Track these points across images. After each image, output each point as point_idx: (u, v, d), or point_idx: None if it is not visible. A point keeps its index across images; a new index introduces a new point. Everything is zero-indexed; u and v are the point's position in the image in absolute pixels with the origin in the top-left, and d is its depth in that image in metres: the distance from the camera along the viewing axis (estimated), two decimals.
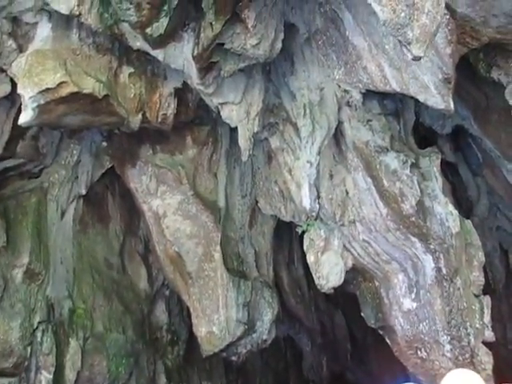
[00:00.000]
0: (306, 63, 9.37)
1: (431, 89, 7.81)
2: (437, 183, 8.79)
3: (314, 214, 8.54)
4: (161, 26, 8.03)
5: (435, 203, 8.67)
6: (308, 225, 10.01)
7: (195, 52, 8.24)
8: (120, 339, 11.07)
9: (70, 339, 10.49)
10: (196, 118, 11.03)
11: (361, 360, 15.08)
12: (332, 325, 14.58)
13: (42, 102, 7.75)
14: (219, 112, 9.71)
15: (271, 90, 10.16)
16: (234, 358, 11.30)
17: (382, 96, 9.29)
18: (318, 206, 8.54)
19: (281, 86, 9.87)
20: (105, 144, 10.71)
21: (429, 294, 8.81)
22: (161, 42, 8.41)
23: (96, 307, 10.84)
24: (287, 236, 12.90)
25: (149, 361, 11.79)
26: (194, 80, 8.94)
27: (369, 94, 9.07)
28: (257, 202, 11.36)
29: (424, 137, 10.54)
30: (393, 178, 8.53)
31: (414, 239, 8.73)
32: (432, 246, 8.64)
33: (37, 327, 9.97)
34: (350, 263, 9.95)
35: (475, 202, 11.40)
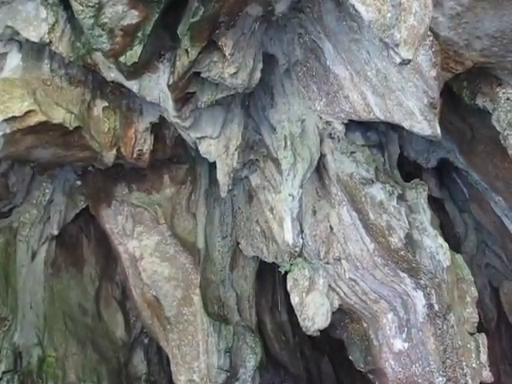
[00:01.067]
0: (287, 95, 8.96)
1: (416, 115, 7.40)
2: (425, 215, 8.31)
3: (297, 249, 8.00)
4: (134, 54, 7.61)
5: (424, 236, 8.17)
6: (291, 264, 9.44)
7: (171, 81, 7.80)
8: None
9: None
10: (174, 157, 10.54)
11: None
12: (319, 372, 13.82)
13: (8, 131, 7.24)
14: (197, 148, 9.25)
15: (251, 126, 9.73)
16: None
17: (364, 128, 8.89)
18: (301, 240, 8.01)
19: (261, 120, 9.44)
20: (79, 182, 10.15)
21: (421, 333, 8.23)
22: (135, 72, 7.97)
23: (68, 355, 10.09)
24: (270, 279, 12.29)
25: None
26: (171, 113, 8.49)
27: (351, 126, 8.67)
28: (238, 243, 10.79)
29: (408, 172, 10.08)
30: (379, 210, 8.04)
31: (403, 275, 8.19)
32: (422, 282, 8.09)
33: (1, 378, 9.18)
34: (336, 304, 9.37)
35: (463, 238, 10.91)
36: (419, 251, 8.04)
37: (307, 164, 8.27)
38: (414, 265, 8.01)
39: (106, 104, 8.78)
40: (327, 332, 12.95)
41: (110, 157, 8.85)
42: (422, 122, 7.40)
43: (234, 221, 10.79)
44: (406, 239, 7.94)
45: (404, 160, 9.81)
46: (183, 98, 8.31)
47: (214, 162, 9.11)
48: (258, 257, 11.15)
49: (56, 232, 10.29)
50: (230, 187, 8.88)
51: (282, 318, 12.56)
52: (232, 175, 8.92)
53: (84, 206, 10.32)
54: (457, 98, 8.73)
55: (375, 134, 8.95)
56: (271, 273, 12.20)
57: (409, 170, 10.10)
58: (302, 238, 8.10)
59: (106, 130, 8.72)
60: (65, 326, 10.20)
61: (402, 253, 7.98)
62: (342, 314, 9.76)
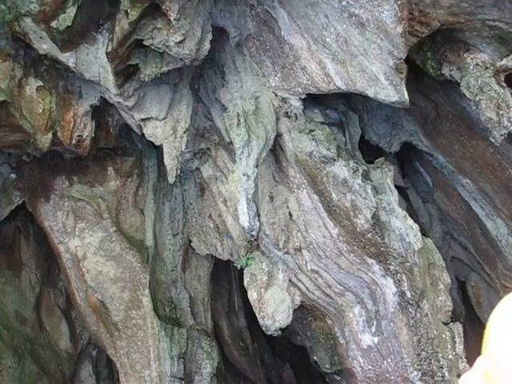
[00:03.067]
0: (239, 73, 8.04)
1: (381, 80, 6.55)
2: (392, 196, 7.44)
3: (253, 233, 6.99)
4: (68, 17, 6.62)
5: (393, 217, 7.27)
6: (248, 258, 8.45)
7: (109, 47, 6.82)
8: None
9: None
10: (119, 148, 9.51)
11: None
12: (280, 381, 12.75)
13: None
14: (143, 134, 8.25)
15: (201, 112, 8.79)
16: None
17: (323, 106, 8.02)
18: (258, 224, 7.01)
19: (211, 103, 8.49)
20: (13, 176, 8.98)
21: (392, 324, 7.29)
22: (70, 41, 6.97)
23: (3, 369, 8.81)
24: (226, 282, 11.25)
25: None
26: (112, 90, 7.49)
27: (309, 104, 7.78)
28: (190, 241, 9.75)
29: (369, 162, 9.21)
30: (343, 189, 7.12)
31: (370, 261, 7.26)
32: (392, 267, 7.18)
33: None
34: (297, 300, 8.40)
35: (427, 230, 10.04)
36: (388, 233, 7.13)
37: (262, 142, 7.32)
38: (382, 249, 7.09)
39: (41, 84, 7.72)
40: (288, 338, 11.97)
41: (44, 141, 7.76)
42: (387, 88, 6.55)
43: (186, 217, 9.76)
44: (373, 220, 7.01)
45: (365, 146, 8.94)
46: (125, 73, 7.33)
47: (163, 156, 8.12)
48: (212, 256, 10.14)
49: None
50: (179, 171, 7.84)
51: (240, 324, 11.49)
52: (180, 159, 7.91)
53: (20, 203, 9.13)
54: (419, 74, 7.95)
55: (335, 112, 8.08)
56: (227, 275, 11.19)
57: (369, 159, 9.20)
58: (258, 220, 7.09)
59: (41, 111, 7.65)
60: None
61: (369, 235, 7.05)
62: (305, 312, 8.78)
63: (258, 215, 7.13)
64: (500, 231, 8.50)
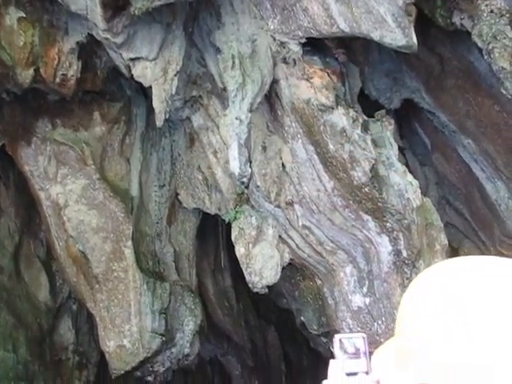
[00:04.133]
0: (236, 14, 7.46)
1: (389, 22, 6.00)
2: (392, 150, 6.94)
3: (244, 180, 6.48)
4: None
5: (392, 172, 6.78)
6: (237, 212, 7.94)
7: None
8: (8, 358, 8.56)
9: None
10: (106, 94, 8.93)
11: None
12: (264, 344, 12.35)
13: None
14: (132, 76, 7.68)
15: (194, 57, 8.20)
16: (149, 379, 8.95)
17: (323, 53, 7.44)
18: (249, 170, 6.50)
19: (205, 47, 7.91)
20: None
21: (385, 285, 6.84)
22: None
23: None
24: (212, 240, 10.74)
25: None
26: (100, 25, 6.92)
27: (308, 50, 7.20)
28: (177, 193, 9.22)
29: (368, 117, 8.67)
30: (341, 139, 6.60)
31: (366, 217, 6.78)
32: (389, 225, 6.70)
33: None
34: (287, 257, 7.93)
35: (423, 194, 9.57)
36: (386, 188, 6.63)
37: (258, 86, 6.77)
38: (379, 204, 6.60)
39: (23, 15, 7.16)
40: (273, 301, 11.54)
41: (25, 76, 7.19)
42: (394, 31, 6.01)
43: (173, 169, 9.23)
44: (371, 173, 6.51)
45: (364, 101, 8.39)
46: (113, 6, 6.72)
47: (152, 105, 7.56)
48: (199, 211, 9.63)
49: None
50: (167, 115, 7.29)
51: (225, 283, 11.04)
52: (170, 103, 7.35)
53: (0, 146, 8.55)
54: (426, 25, 7.37)
55: (335, 61, 7.50)
56: (214, 233, 10.68)
57: (368, 115, 8.66)
58: (250, 167, 6.56)
59: (22, 44, 7.09)
60: None
61: (366, 189, 6.55)
62: (293, 270, 8.34)
63: (250, 162, 6.60)
64: (500, 194, 8.03)
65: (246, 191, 8.00)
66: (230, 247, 9.65)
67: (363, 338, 1.43)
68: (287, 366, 12.80)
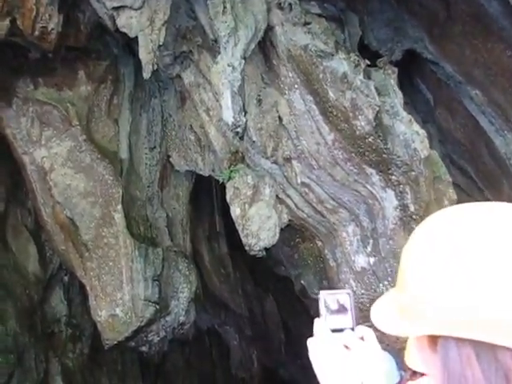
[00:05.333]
0: None
1: None
2: (396, 98, 6.35)
3: (239, 130, 5.87)
4: None
5: (397, 121, 6.20)
6: (231, 171, 7.39)
7: None
8: None
9: None
10: (91, 52, 8.30)
11: (295, 353, 12.38)
12: (262, 312, 11.86)
13: None
14: (117, 29, 7.06)
15: (183, 10, 7.54)
16: (144, 349, 8.44)
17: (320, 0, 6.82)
18: (243, 119, 5.89)
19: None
20: None
21: (391, 243, 6.30)
22: None
23: None
24: (207, 206, 10.21)
25: (38, 359, 8.73)
26: None
27: None
28: (168, 156, 8.64)
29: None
30: (342, 86, 6.00)
31: (370, 170, 6.22)
32: (394, 178, 6.13)
33: None
34: (285, 218, 7.39)
35: None
36: (391, 138, 6.06)
37: (251, 32, 6.16)
38: (384, 155, 6.03)
39: None
40: (271, 268, 11.02)
41: (2, 28, 6.54)
42: None
43: (164, 130, 8.64)
44: (375, 121, 5.92)
45: (364, 53, 7.78)
46: None
47: (140, 64, 6.94)
48: (192, 175, 9.08)
49: None
50: (155, 67, 6.67)
51: (221, 251, 10.52)
52: (157, 54, 6.74)
53: None
54: None
55: (333, 7, 6.89)
56: (208, 198, 10.14)
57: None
58: (244, 116, 5.95)
59: None
60: None
61: (370, 139, 5.98)
62: (292, 232, 7.79)
63: (245, 112, 6.00)
64: (510, 148, 7.47)
65: (240, 149, 7.45)
66: (226, 213, 9.11)
67: (348, 294, 1.46)
68: (286, 335, 12.32)
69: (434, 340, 1.15)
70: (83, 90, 7.98)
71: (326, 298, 1.46)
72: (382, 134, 5.97)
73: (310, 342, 1.47)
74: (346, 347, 1.44)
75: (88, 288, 8.10)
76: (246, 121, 5.86)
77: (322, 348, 1.44)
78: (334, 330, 1.44)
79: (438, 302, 1.10)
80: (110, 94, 8.29)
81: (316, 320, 1.46)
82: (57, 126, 7.75)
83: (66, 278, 9.95)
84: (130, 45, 8.23)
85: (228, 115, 5.71)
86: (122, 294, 7.83)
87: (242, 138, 6.23)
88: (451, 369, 1.11)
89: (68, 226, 8.03)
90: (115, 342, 7.99)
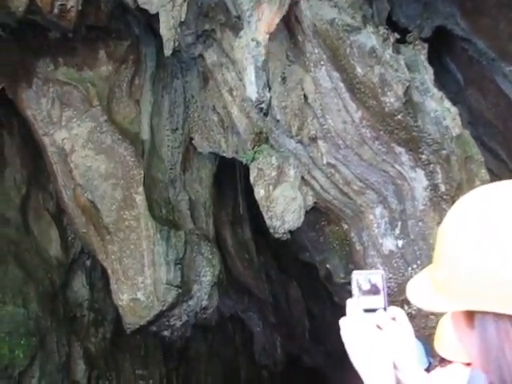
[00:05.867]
0: None
1: None
2: (426, 75, 6.07)
3: (263, 106, 5.62)
4: None
5: (427, 98, 5.92)
6: (255, 152, 7.17)
7: None
8: (19, 314, 7.93)
9: None
10: (112, 32, 8.12)
11: (319, 340, 12.18)
12: (286, 298, 11.65)
13: None
14: (137, 6, 6.87)
15: None
16: (166, 333, 8.30)
17: None
18: (268, 95, 5.63)
19: None
20: None
21: (421, 224, 6.03)
22: None
23: None
24: (231, 190, 10.00)
25: (60, 342, 8.63)
26: None
27: None
28: (191, 138, 8.44)
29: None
30: (370, 61, 5.73)
31: (399, 149, 5.95)
32: (424, 157, 5.86)
33: None
34: (310, 200, 7.16)
35: None
36: (421, 115, 5.78)
37: (275, 6, 5.89)
38: (414, 133, 5.76)
39: None
40: (295, 254, 10.80)
41: (20, 5, 6.39)
42: None
43: (187, 112, 8.44)
44: (405, 97, 5.65)
45: (392, 27, 7.48)
46: None
47: (162, 44, 6.74)
48: (215, 157, 8.88)
49: None
50: (176, 44, 6.47)
51: (244, 236, 10.30)
52: (179, 32, 6.54)
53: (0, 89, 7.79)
54: None
55: None
56: (231, 182, 9.93)
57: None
58: (269, 92, 5.71)
59: None
60: None
61: (399, 116, 5.71)
62: (317, 215, 7.57)
63: (269, 87, 5.75)
64: None
65: (264, 130, 7.22)
66: (249, 197, 8.90)
67: (381, 274, 1.47)
68: (310, 322, 12.11)
69: (470, 316, 1.15)
70: (104, 70, 7.82)
71: (359, 278, 1.45)
72: (411, 111, 5.70)
73: (342, 321, 1.45)
74: (378, 327, 1.44)
75: (109, 271, 7.97)
76: (271, 97, 5.61)
77: (354, 328, 1.44)
78: (366, 310, 1.43)
79: (475, 278, 1.10)
80: (132, 74, 8.12)
81: (348, 300, 1.46)
82: (77, 106, 7.60)
83: (88, 262, 9.84)
84: (151, 25, 8.04)
85: (252, 91, 5.48)
86: (144, 278, 7.68)
87: (266, 115, 5.99)
88: (488, 343, 1.12)
89: (89, 209, 7.90)
90: (137, 327, 7.86)
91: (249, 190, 8.02)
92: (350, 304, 1.45)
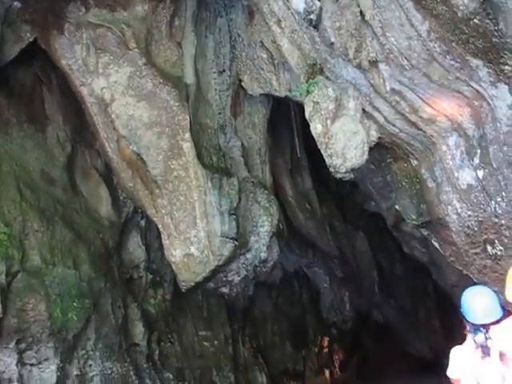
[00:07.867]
0: None
1: None
2: None
3: (312, 17, 4.87)
4: None
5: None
6: (309, 85, 6.39)
7: None
8: (70, 275, 7.50)
9: None
10: None
11: (389, 294, 11.44)
12: (353, 251, 10.92)
13: None
14: None
15: None
16: (225, 290, 7.82)
17: None
18: (317, 3, 4.82)
19: None
20: (17, 4, 7.02)
21: (505, 149, 5.15)
22: None
23: (29, 232, 7.23)
24: (287, 137, 9.27)
25: (115, 304, 8.21)
26: None
27: None
28: (240, 80, 7.75)
29: None
30: None
31: (475, 62, 5.04)
32: (508, 68, 4.93)
33: None
34: (373, 135, 6.38)
35: None
36: (503, 17, 4.82)
37: None
38: (495, 39, 4.83)
39: None
40: (360, 205, 10.06)
41: None
42: None
43: (233, 51, 7.75)
44: None
45: None
46: None
47: None
48: (268, 101, 8.18)
49: None
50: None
51: (305, 185, 9.58)
52: None
53: (32, 40, 7.26)
54: None
55: None
56: (288, 128, 9.20)
57: None
58: (318, 0, 4.90)
59: None
60: (19, 195, 7.28)
61: (475, 21, 4.79)
62: (382, 152, 6.79)
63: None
64: None
65: (318, 61, 6.43)
66: (309, 143, 8.20)
67: None
68: (379, 275, 11.36)
69: None
70: (139, 10, 7.16)
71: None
72: (491, 12, 4.78)
73: None
74: None
75: (160, 227, 7.46)
76: (320, 7, 4.82)
77: None
78: None
79: None
80: (171, 14, 7.43)
81: None
82: (113, 50, 7.00)
83: (142, 222, 9.36)
84: None
85: (299, 1, 4.70)
86: (197, 231, 7.11)
87: (316, 28, 5.20)
88: None
89: (135, 162, 7.35)
90: (192, 284, 7.34)
91: (307, 136, 7.30)
92: None
